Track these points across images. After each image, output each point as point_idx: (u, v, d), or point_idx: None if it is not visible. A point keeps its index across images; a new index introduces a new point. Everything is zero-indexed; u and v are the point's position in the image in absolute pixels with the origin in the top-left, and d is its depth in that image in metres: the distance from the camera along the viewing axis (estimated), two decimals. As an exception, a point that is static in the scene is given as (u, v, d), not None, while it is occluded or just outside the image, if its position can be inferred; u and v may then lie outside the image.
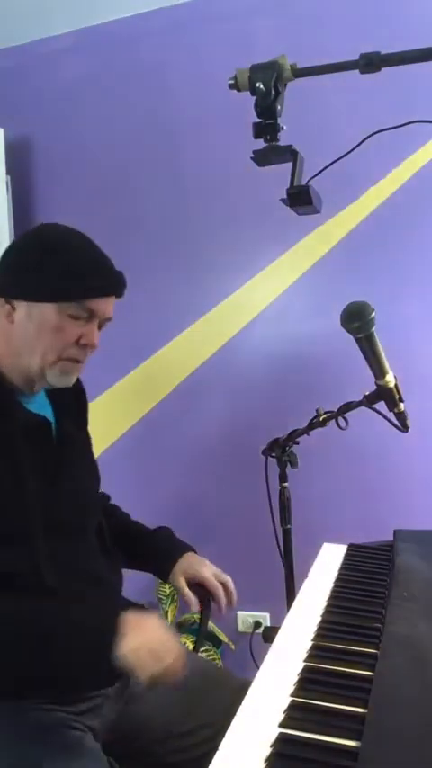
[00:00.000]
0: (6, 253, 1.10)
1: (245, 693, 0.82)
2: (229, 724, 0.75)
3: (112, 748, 1.07)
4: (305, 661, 0.87)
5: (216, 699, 1.10)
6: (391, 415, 1.48)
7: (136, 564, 1.30)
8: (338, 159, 1.04)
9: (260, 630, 2.03)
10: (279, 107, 0.97)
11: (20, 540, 1.00)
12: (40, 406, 1.15)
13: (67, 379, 1.10)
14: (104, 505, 1.36)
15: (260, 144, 0.99)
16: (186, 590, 1.22)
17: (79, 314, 1.05)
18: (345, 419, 1.50)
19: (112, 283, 1.08)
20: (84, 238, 1.10)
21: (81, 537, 1.13)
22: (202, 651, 1.87)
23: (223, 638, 2.07)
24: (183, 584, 1.23)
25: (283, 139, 0.99)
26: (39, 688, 1.03)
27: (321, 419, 1.53)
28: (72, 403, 1.23)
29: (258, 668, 0.88)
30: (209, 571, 1.25)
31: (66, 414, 1.19)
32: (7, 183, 2.31)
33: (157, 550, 1.30)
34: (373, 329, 1.33)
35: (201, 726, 1.09)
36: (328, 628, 0.97)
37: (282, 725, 0.73)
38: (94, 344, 1.08)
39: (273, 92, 0.94)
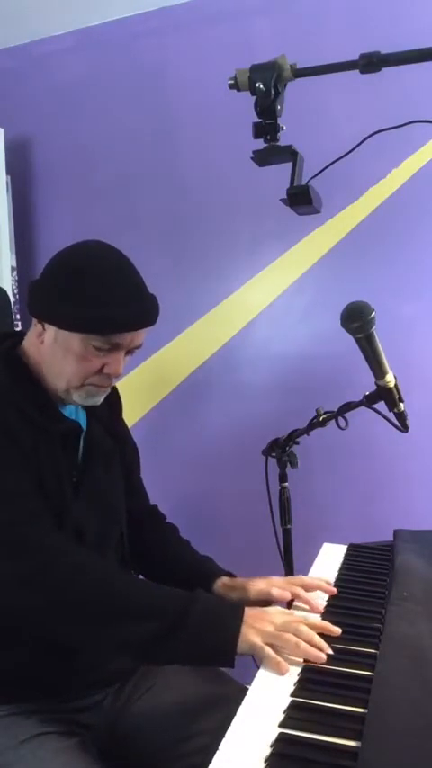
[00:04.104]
0: (45, 269, 1.10)
1: (243, 698, 0.81)
2: (225, 732, 0.74)
3: (111, 753, 1.07)
4: (305, 661, 0.87)
5: (215, 705, 1.08)
6: (391, 415, 1.47)
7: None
8: (338, 159, 1.04)
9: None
10: (279, 107, 0.97)
11: None
12: (74, 411, 1.16)
13: (92, 401, 1.11)
14: (156, 521, 1.35)
15: (260, 144, 0.99)
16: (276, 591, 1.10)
17: (102, 346, 1.04)
18: (345, 419, 1.50)
19: (138, 318, 1.06)
20: (117, 265, 1.07)
21: (99, 546, 1.13)
22: None
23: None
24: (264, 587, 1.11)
25: (283, 139, 0.99)
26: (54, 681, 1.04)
27: (321, 419, 1.52)
28: (105, 409, 1.22)
29: (258, 668, 0.88)
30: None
31: (98, 421, 1.20)
32: (7, 183, 2.31)
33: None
34: (373, 329, 1.32)
35: (199, 732, 1.06)
36: (329, 628, 0.97)
37: (282, 725, 0.73)
38: (118, 374, 1.08)
39: (273, 92, 0.94)
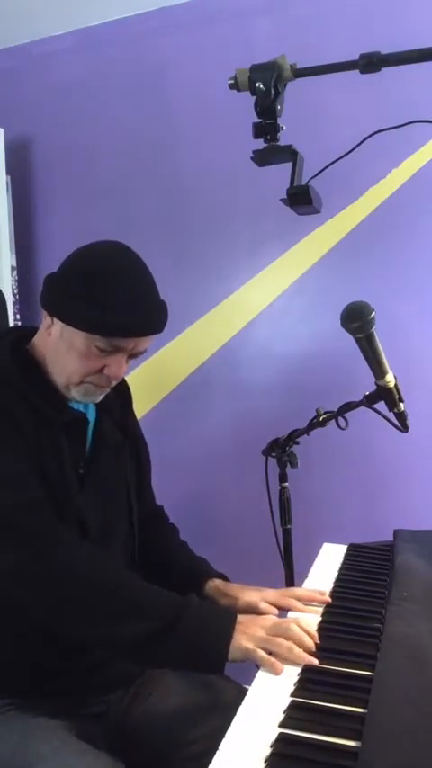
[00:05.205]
0: (62, 265, 1.11)
1: (242, 701, 0.81)
2: (225, 733, 0.74)
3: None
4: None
5: (216, 709, 1.08)
6: (391, 415, 1.47)
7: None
8: (338, 159, 1.04)
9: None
10: (279, 107, 0.97)
11: None
12: (83, 404, 1.16)
13: (90, 398, 1.12)
14: (159, 522, 1.34)
15: (260, 144, 0.99)
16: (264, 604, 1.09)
17: (105, 347, 1.05)
18: (345, 419, 1.50)
19: (140, 325, 1.06)
20: (129, 269, 1.08)
21: (103, 539, 1.12)
22: None
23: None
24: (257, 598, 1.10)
25: (283, 139, 0.99)
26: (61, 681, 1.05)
27: (321, 419, 1.52)
28: (116, 403, 1.22)
29: (258, 668, 0.88)
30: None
31: (109, 414, 1.20)
32: (7, 183, 2.31)
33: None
34: (373, 329, 1.32)
35: (200, 736, 1.06)
36: (329, 628, 0.97)
37: (282, 725, 0.73)
38: (118, 377, 1.09)
39: (273, 92, 0.94)
